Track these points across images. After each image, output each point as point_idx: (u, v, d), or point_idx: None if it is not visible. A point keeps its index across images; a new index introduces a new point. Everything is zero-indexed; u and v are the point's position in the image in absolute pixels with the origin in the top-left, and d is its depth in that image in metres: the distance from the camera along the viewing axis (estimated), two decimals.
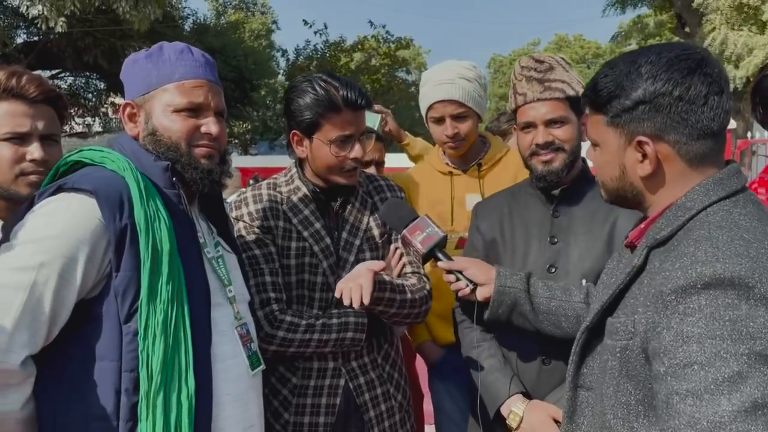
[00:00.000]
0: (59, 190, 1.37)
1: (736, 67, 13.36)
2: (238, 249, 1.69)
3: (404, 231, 1.78)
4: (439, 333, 2.46)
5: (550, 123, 1.83)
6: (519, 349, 1.85)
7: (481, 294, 1.75)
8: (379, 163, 2.80)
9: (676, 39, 16.97)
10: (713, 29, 13.28)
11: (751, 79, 13.68)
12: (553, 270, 1.84)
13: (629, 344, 1.14)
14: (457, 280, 1.77)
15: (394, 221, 1.84)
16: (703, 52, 1.18)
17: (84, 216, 1.32)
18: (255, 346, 1.58)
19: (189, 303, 1.38)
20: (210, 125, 1.50)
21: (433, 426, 2.59)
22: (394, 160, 4.18)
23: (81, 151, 1.47)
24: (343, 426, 1.94)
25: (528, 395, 1.81)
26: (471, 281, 1.75)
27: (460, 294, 1.79)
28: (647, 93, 1.15)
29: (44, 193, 1.38)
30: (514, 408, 1.77)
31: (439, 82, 2.35)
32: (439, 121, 2.38)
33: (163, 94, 1.48)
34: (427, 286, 2.02)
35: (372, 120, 2.78)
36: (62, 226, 1.31)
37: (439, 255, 1.78)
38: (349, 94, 1.85)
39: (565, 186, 1.88)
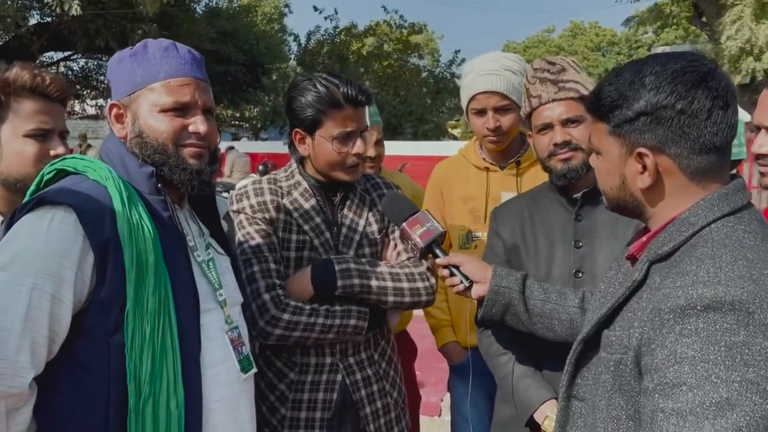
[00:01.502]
0: (39, 203, 1.33)
1: (757, 59, 13.18)
2: (231, 250, 1.67)
3: (404, 224, 1.80)
4: (465, 336, 2.43)
5: (566, 123, 1.82)
6: (546, 356, 1.82)
7: (475, 292, 1.74)
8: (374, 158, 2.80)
9: (692, 29, 16.74)
10: (737, 19, 13.07)
11: None
12: (580, 275, 1.81)
13: (623, 358, 1.13)
14: (452, 275, 1.77)
15: (393, 214, 1.86)
16: (711, 64, 1.15)
17: (66, 233, 1.29)
18: (247, 350, 1.56)
19: (177, 311, 1.36)
20: (198, 124, 1.45)
21: (431, 417, 2.58)
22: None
23: (64, 159, 1.45)
24: (339, 422, 1.94)
25: None
26: (467, 278, 1.75)
27: (454, 290, 1.78)
28: (649, 105, 1.12)
29: (25, 207, 1.35)
30: (550, 413, 1.74)
31: (484, 73, 2.29)
32: (481, 113, 2.31)
33: (149, 93, 1.44)
34: (429, 276, 2.00)
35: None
36: (45, 245, 1.28)
37: (437, 251, 1.79)
38: (349, 91, 1.87)
39: (586, 189, 1.85)
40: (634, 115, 1.14)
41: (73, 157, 1.45)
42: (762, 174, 1.65)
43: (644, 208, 1.21)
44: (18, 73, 1.61)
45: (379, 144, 2.78)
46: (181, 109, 1.45)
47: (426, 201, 2.55)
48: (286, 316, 1.84)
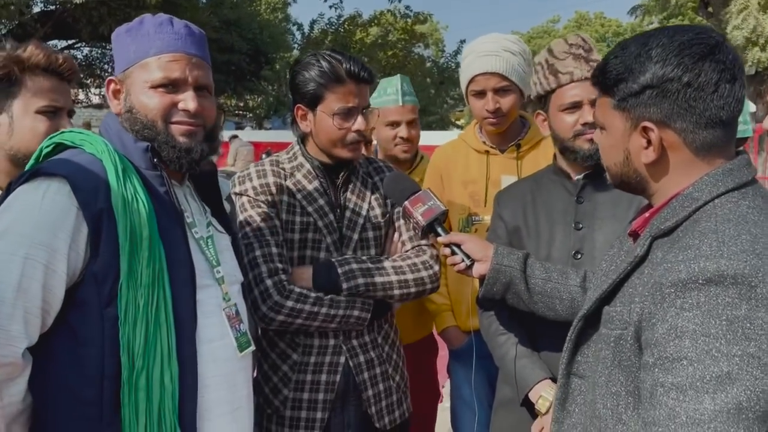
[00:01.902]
0: (34, 175, 1.34)
1: (763, 50, 13.07)
2: (231, 229, 1.67)
3: (405, 202, 1.80)
4: (465, 320, 2.43)
5: (593, 103, 1.79)
6: (546, 336, 1.83)
7: (477, 271, 1.75)
8: (368, 141, 2.78)
9: (698, 19, 16.60)
10: (743, 9, 12.95)
11: None
12: (579, 256, 1.82)
13: (623, 334, 1.12)
14: (453, 254, 1.77)
15: (395, 193, 1.87)
16: (718, 36, 1.13)
17: (60, 204, 1.29)
18: (244, 327, 1.56)
19: (172, 285, 1.36)
20: (188, 101, 1.44)
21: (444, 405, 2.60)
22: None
23: (62, 133, 1.45)
24: (342, 403, 1.95)
25: (556, 380, 1.80)
26: (468, 256, 1.75)
27: (456, 269, 1.78)
28: (655, 77, 1.10)
29: (21, 178, 1.36)
30: (544, 393, 1.76)
31: (483, 54, 2.27)
32: (480, 94, 2.30)
33: (141, 69, 1.43)
34: (433, 264, 2.01)
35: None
36: (39, 216, 1.29)
37: (438, 229, 1.80)
38: (352, 67, 1.88)
39: (588, 172, 1.85)
40: (639, 89, 1.12)
41: (71, 131, 1.46)
42: None
43: (648, 184, 1.19)
44: (33, 50, 1.64)
45: (413, 125, 2.73)
46: (171, 85, 1.44)
47: (426, 185, 2.55)
48: (289, 303, 1.84)
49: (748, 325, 0.95)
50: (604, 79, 1.18)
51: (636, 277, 1.14)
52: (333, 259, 1.93)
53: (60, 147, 1.44)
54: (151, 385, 1.30)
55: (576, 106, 1.81)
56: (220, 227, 1.61)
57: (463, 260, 1.75)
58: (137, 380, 1.29)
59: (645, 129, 1.13)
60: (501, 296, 1.75)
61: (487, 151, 2.41)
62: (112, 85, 1.48)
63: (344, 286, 1.88)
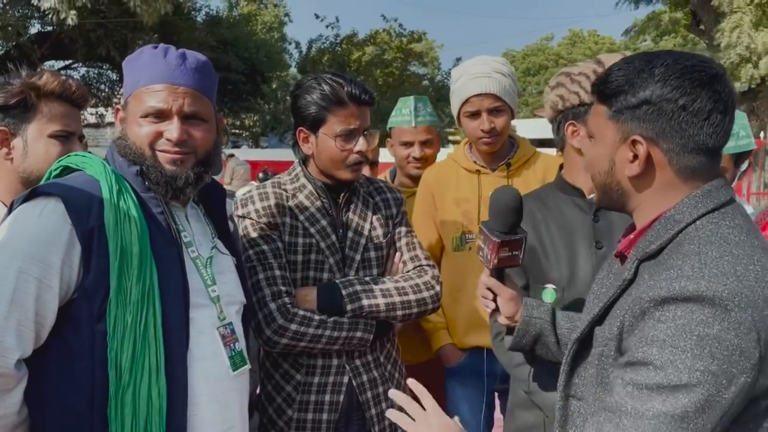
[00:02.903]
0: (33, 194, 1.40)
1: (755, 67, 13.20)
2: (236, 251, 1.69)
3: (496, 240, 1.55)
4: (462, 337, 2.43)
5: None
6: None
7: (502, 320, 1.69)
8: (373, 163, 2.81)
9: (690, 36, 16.79)
10: (736, 27, 13.10)
11: (767, 79, 13.52)
12: None
13: (604, 350, 1.16)
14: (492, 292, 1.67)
15: (498, 218, 1.58)
16: (719, 68, 1.17)
17: (54, 222, 1.35)
18: (240, 346, 1.58)
19: (163, 303, 1.39)
20: (171, 131, 1.48)
21: None
22: None
23: (68, 156, 1.53)
24: (345, 423, 1.96)
25: None
26: (498, 306, 1.67)
27: (483, 305, 1.71)
28: (654, 95, 1.14)
29: (21, 198, 1.42)
30: None
31: (476, 76, 2.33)
32: (475, 115, 2.35)
33: (134, 99, 1.50)
34: (434, 284, 2.02)
35: None
36: (35, 232, 1.33)
37: (503, 275, 1.66)
38: (353, 90, 1.91)
39: None
40: (637, 103, 1.16)
41: (76, 155, 1.53)
42: None
43: (628, 199, 1.23)
44: (48, 78, 1.76)
45: (427, 144, 2.76)
46: (157, 115, 1.48)
47: (417, 205, 2.57)
48: (293, 327, 1.86)
49: (716, 344, 1.00)
50: (605, 89, 1.21)
51: (623, 299, 1.17)
52: (337, 281, 1.94)
53: (67, 170, 1.50)
54: (138, 400, 1.33)
55: None
56: (224, 249, 1.63)
57: (494, 308, 1.67)
58: (123, 395, 1.32)
59: (634, 142, 1.17)
60: (530, 348, 1.70)
61: (478, 170, 2.45)
62: (120, 113, 1.55)
63: (348, 308, 1.89)
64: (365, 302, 1.91)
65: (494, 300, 1.67)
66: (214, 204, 1.65)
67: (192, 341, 1.45)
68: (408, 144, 2.76)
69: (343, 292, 1.91)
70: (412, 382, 1.47)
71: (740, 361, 1.01)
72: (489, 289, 1.68)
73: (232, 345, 1.54)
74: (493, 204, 1.61)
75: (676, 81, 1.13)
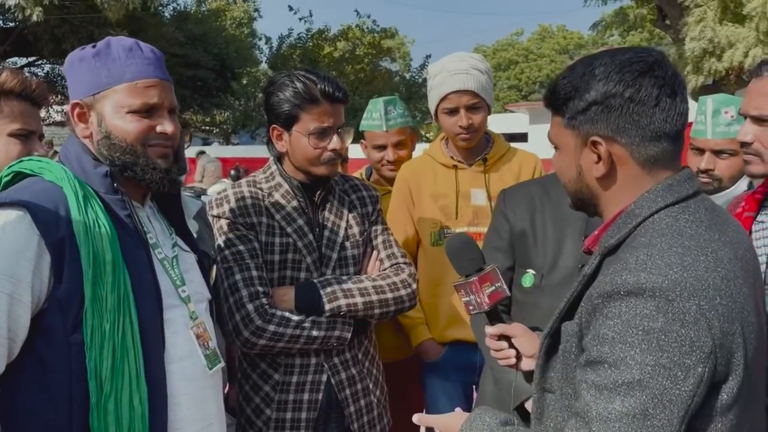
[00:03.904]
0: None
1: (719, 60, 13.47)
2: (196, 248, 1.68)
3: (475, 278, 1.55)
4: (442, 331, 2.45)
5: None
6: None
7: (526, 365, 1.61)
8: (344, 160, 2.82)
9: (656, 31, 17.06)
10: (700, 20, 13.34)
11: (731, 72, 13.81)
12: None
13: (566, 346, 1.18)
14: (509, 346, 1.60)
15: (463, 261, 1.60)
16: (657, 55, 1.19)
17: (22, 233, 1.30)
18: (213, 345, 1.57)
19: (138, 308, 1.37)
20: (165, 125, 1.47)
21: None
22: None
23: (21, 162, 1.46)
24: (324, 421, 1.96)
25: None
26: (517, 351, 1.60)
27: (503, 363, 1.62)
28: (599, 94, 1.16)
29: None
30: None
31: (454, 72, 2.34)
32: (453, 112, 2.37)
33: (115, 94, 1.45)
34: (411, 282, 2.03)
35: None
36: (1, 247, 1.29)
37: (503, 316, 1.63)
38: (326, 87, 1.90)
39: None
40: (586, 105, 1.17)
41: (30, 159, 1.46)
42: (747, 162, 1.65)
43: (599, 200, 1.24)
44: (7, 76, 1.70)
45: (399, 146, 2.75)
46: (148, 111, 1.46)
47: (394, 199, 2.58)
48: (271, 328, 1.85)
49: (663, 337, 1.01)
50: (555, 99, 1.23)
51: (587, 294, 1.17)
52: (315, 280, 1.93)
53: (19, 176, 1.44)
54: (120, 408, 1.31)
55: None
56: (185, 246, 1.62)
57: (515, 356, 1.59)
58: (106, 404, 1.30)
59: (594, 144, 1.18)
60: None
61: (455, 166, 2.47)
62: (77, 109, 1.48)
63: (326, 307, 1.89)
64: (343, 302, 1.91)
65: (510, 346, 1.58)
66: (168, 200, 1.62)
67: (168, 343, 1.44)
68: (381, 147, 2.77)
69: (321, 292, 1.90)
70: (417, 419, 1.45)
71: (692, 351, 1.01)
72: (500, 338, 1.59)
73: (206, 344, 1.54)
74: (450, 254, 1.60)
75: (617, 75, 1.15)
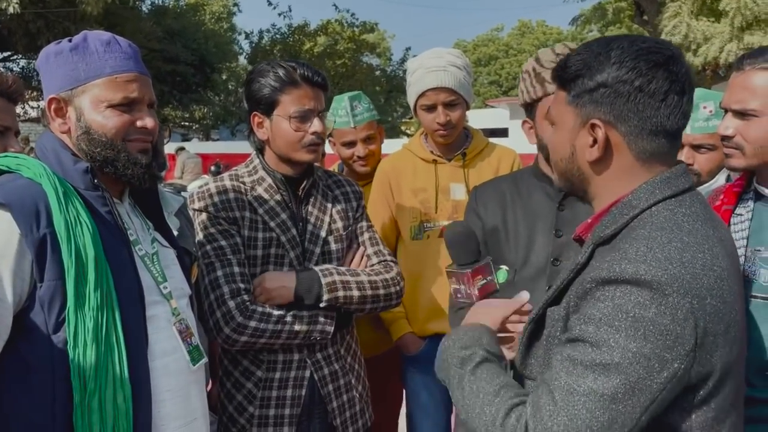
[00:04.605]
0: None
1: (695, 54, 13.64)
2: (175, 243, 1.67)
3: (469, 270, 1.57)
4: (422, 325, 2.46)
5: None
6: None
7: (509, 354, 1.59)
8: (321, 154, 2.83)
9: (634, 27, 17.21)
10: (675, 15, 13.50)
11: (707, 67, 13.99)
12: (558, 263, 1.83)
13: (551, 331, 1.18)
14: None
15: (460, 251, 1.61)
16: (676, 50, 1.17)
17: (2, 231, 1.28)
18: (196, 340, 1.57)
19: (120, 306, 1.36)
20: (146, 119, 1.46)
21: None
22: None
23: None
24: (308, 417, 1.95)
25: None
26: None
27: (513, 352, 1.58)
28: (610, 77, 1.14)
29: None
30: None
31: (432, 69, 2.34)
32: (431, 108, 2.38)
33: (94, 89, 1.43)
34: (400, 280, 2.04)
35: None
36: None
37: None
38: (306, 72, 1.91)
39: None
40: (594, 86, 1.16)
41: (6, 156, 1.43)
42: (727, 156, 1.65)
43: (588, 185, 1.23)
44: None
45: (369, 141, 2.74)
46: (128, 105, 1.44)
47: (374, 192, 2.58)
48: (252, 324, 1.83)
49: (651, 327, 1.01)
50: (564, 74, 1.21)
51: (578, 282, 1.17)
52: (316, 269, 1.92)
53: None
54: (105, 406, 1.30)
55: None
56: (164, 242, 1.61)
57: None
58: (90, 403, 1.29)
59: (593, 126, 1.16)
60: None
61: (434, 160, 2.49)
62: (54, 104, 1.46)
63: (325, 297, 1.88)
64: (341, 293, 1.90)
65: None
66: (145, 195, 1.61)
67: (151, 339, 1.44)
68: (350, 144, 2.76)
69: (323, 281, 1.89)
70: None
71: (674, 347, 1.02)
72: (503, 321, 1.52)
73: (189, 339, 1.54)
74: (449, 240, 1.61)
75: (632, 62, 1.13)
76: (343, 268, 1.97)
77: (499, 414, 1.10)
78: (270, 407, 1.91)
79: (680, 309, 1.02)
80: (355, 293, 1.92)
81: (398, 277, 2.04)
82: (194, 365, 1.53)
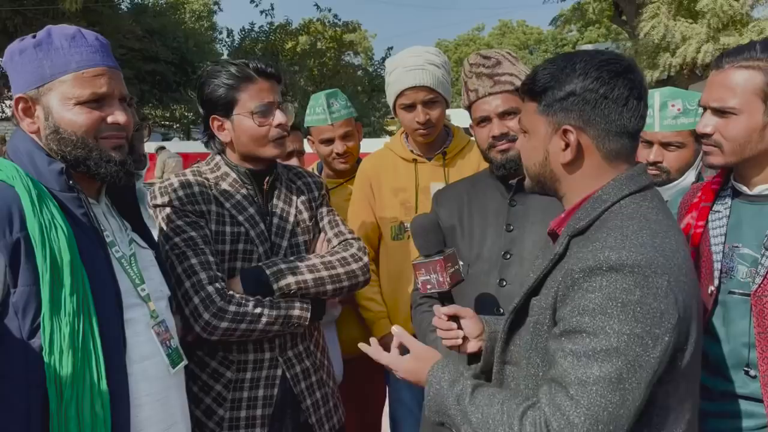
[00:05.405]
0: None
1: (673, 55, 13.81)
2: (154, 243, 1.63)
3: (440, 257, 1.63)
4: (403, 324, 2.45)
5: (503, 115, 1.91)
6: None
7: (471, 347, 1.66)
8: (300, 153, 2.83)
9: (613, 27, 17.40)
10: (653, 16, 13.66)
11: (685, 67, 14.17)
12: (509, 256, 1.89)
13: (539, 319, 1.27)
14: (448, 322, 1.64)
15: (427, 240, 1.66)
16: (631, 60, 1.32)
17: None
18: (175, 343, 1.54)
19: (97, 310, 1.32)
20: (117, 115, 1.42)
21: None
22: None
23: None
24: (280, 417, 1.91)
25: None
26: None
27: (449, 344, 1.66)
28: (578, 87, 1.27)
29: None
30: None
31: (410, 68, 2.35)
32: (410, 107, 2.38)
33: (61, 86, 1.38)
34: (362, 255, 2.00)
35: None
36: None
37: (452, 300, 1.68)
38: (259, 65, 1.89)
39: (522, 176, 1.91)
40: (564, 95, 1.29)
41: None
42: (706, 153, 1.68)
43: (560, 184, 1.35)
44: None
45: (347, 138, 2.76)
46: (98, 101, 1.40)
47: (355, 194, 2.58)
48: (232, 308, 1.77)
49: (639, 309, 1.13)
50: (533, 87, 1.33)
51: (557, 271, 1.28)
52: (260, 264, 1.88)
53: None
54: (82, 414, 1.27)
55: (485, 120, 1.94)
56: (142, 242, 1.57)
57: (461, 337, 1.64)
58: (67, 411, 1.25)
59: (565, 132, 1.29)
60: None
61: (414, 160, 2.49)
62: (22, 103, 1.42)
63: (275, 287, 1.84)
64: (291, 279, 1.85)
65: (459, 327, 1.63)
66: (122, 194, 1.57)
67: (129, 343, 1.40)
68: (329, 141, 2.77)
69: (268, 272, 1.84)
70: (397, 331, 1.57)
71: (662, 322, 1.13)
72: (450, 319, 1.63)
73: (168, 342, 1.51)
74: (416, 231, 1.66)
75: (596, 72, 1.27)
76: (291, 258, 1.92)
77: (514, 427, 1.18)
78: (241, 409, 1.86)
79: (660, 288, 1.14)
80: (308, 276, 1.87)
81: (359, 253, 1.99)
82: (174, 368, 1.50)
